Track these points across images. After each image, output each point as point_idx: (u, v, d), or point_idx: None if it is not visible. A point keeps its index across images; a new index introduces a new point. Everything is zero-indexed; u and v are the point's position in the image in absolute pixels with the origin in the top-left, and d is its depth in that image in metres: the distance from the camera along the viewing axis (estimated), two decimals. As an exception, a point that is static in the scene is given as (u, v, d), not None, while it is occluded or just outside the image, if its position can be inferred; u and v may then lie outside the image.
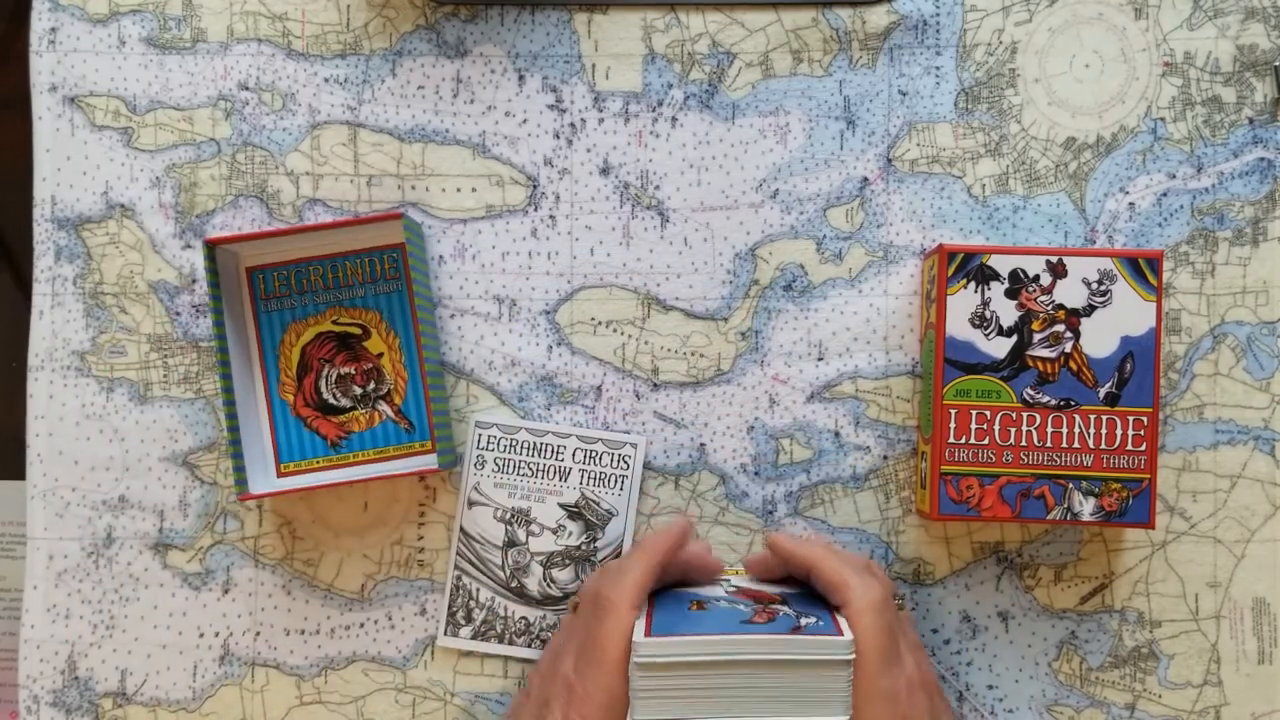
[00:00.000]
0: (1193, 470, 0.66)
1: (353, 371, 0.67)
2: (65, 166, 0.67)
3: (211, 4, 0.68)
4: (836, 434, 0.67)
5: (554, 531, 0.66)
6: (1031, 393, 0.61)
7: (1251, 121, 0.66)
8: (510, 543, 0.66)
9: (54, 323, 0.67)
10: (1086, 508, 0.61)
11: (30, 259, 0.68)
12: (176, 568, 0.67)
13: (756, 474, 0.67)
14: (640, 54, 0.67)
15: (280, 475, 0.66)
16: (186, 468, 0.67)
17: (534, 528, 0.66)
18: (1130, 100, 0.67)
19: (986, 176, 0.67)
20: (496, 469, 0.66)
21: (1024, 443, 0.61)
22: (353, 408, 0.67)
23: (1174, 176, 0.66)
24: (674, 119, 0.67)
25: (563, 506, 0.66)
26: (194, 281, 0.67)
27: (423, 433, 0.66)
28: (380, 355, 0.67)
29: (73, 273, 0.67)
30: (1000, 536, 0.66)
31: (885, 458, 0.66)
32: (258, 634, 0.67)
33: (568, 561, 0.66)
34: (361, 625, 0.67)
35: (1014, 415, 0.61)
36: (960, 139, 0.67)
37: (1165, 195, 0.66)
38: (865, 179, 0.67)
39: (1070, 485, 0.61)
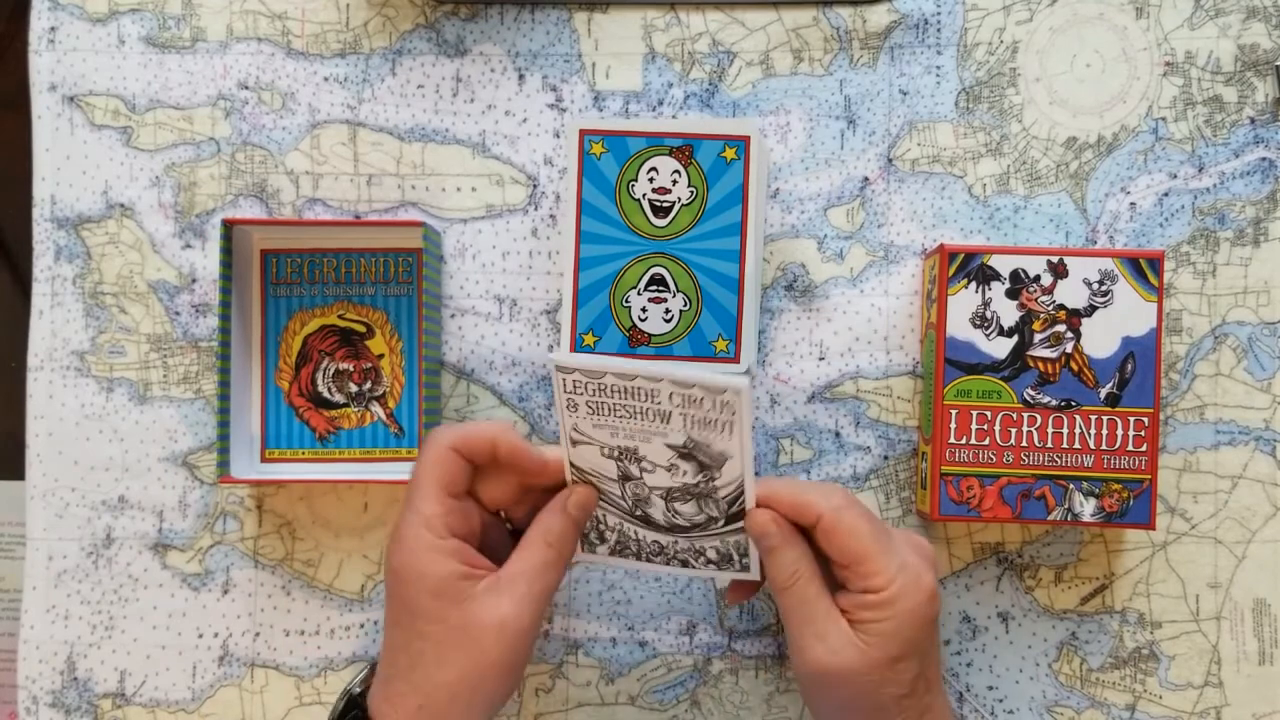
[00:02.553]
0: (1193, 471, 0.66)
1: (351, 368, 0.67)
2: (65, 166, 0.67)
3: (211, 3, 0.68)
4: (837, 434, 0.66)
5: (668, 470, 0.57)
6: (1032, 393, 0.61)
7: (1253, 121, 0.66)
8: (625, 476, 0.59)
9: (53, 322, 0.67)
10: (1087, 508, 0.61)
11: (30, 259, 0.68)
12: (176, 568, 0.67)
13: (756, 474, 0.66)
14: (640, 53, 0.67)
15: (264, 460, 0.66)
16: (186, 468, 0.67)
17: (645, 464, 0.58)
18: (1131, 100, 0.67)
19: (987, 176, 0.67)
20: (591, 411, 0.58)
21: (1024, 443, 0.61)
22: (346, 404, 0.67)
23: (1175, 176, 0.66)
24: (674, 118, 0.67)
25: (671, 447, 0.57)
26: (194, 281, 0.67)
27: (411, 439, 0.66)
28: (381, 356, 0.67)
29: (72, 272, 0.67)
30: (1000, 537, 0.66)
31: (886, 458, 0.66)
32: (257, 634, 0.67)
33: (689, 497, 0.58)
34: (361, 626, 0.67)
35: (1015, 416, 0.61)
36: (961, 138, 0.67)
37: (1166, 195, 0.66)
38: (866, 178, 0.67)
39: (1071, 486, 0.61)
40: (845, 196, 0.67)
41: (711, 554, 0.59)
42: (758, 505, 0.56)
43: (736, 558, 0.59)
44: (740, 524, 0.57)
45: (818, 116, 0.67)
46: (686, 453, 0.56)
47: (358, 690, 0.58)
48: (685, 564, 0.60)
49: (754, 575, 0.59)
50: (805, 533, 0.56)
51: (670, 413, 0.55)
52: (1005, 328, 0.61)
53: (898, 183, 0.67)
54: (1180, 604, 0.66)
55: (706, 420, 0.54)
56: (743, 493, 0.56)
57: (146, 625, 0.67)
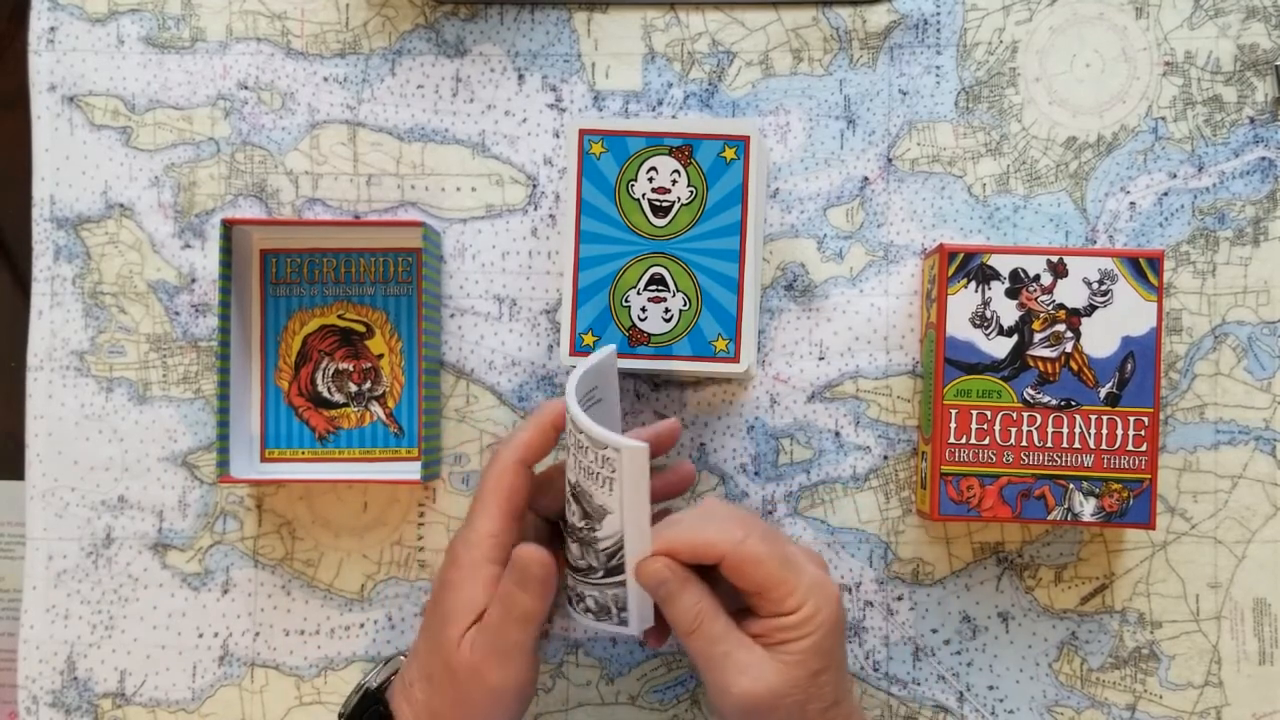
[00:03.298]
0: (1193, 471, 0.66)
1: (351, 368, 0.67)
2: (64, 166, 0.67)
3: (210, 3, 0.68)
4: (837, 434, 0.66)
5: (565, 503, 0.57)
6: (1032, 393, 0.61)
7: (1252, 121, 0.66)
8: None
9: (53, 322, 0.67)
10: (1087, 508, 0.61)
11: (29, 259, 0.68)
12: (176, 568, 0.67)
13: (756, 474, 0.67)
14: (640, 53, 0.67)
15: (264, 460, 0.67)
16: (186, 468, 0.67)
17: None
18: (1131, 100, 0.67)
19: (987, 176, 0.67)
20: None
21: (1024, 443, 0.61)
22: (345, 404, 0.67)
23: (1175, 176, 0.66)
24: (674, 118, 0.67)
25: (568, 482, 0.57)
26: (193, 281, 0.67)
27: (411, 439, 0.66)
28: (380, 356, 0.67)
29: (72, 272, 0.67)
30: (1000, 537, 0.66)
31: (885, 458, 0.66)
32: (257, 634, 0.67)
33: (574, 539, 0.57)
34: (361, 626, 0.67)
35: (1014, 415, 0.61)
36: (961, 138, 0.67)
37: (1166, 195, 0.66)
38: (865, 178, 0.67)
39: (1071, 486, 0.61)
40: (845, 196, 0.67)
41: (590, 603, 0.58)
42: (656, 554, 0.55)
43: (615, 610, 0.57)
44: (619, 578, 0.56)
45: (817, 116, 0.67)
46: (574, 495, 0.56)
47: (375, 685, 0.59)
48: (570, 602, 0.59)
49: (631, 630, 0.57)
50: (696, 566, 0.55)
51: (570, 448, 0.55)
52: (1005, 327, 0.61)
53: (897, 182, 0.67)
54: (1180, 604, 0.65)
55: (589, 470, 0.54)
56: (621, 548, 0.55)
57: (146, 625, 0.67)
